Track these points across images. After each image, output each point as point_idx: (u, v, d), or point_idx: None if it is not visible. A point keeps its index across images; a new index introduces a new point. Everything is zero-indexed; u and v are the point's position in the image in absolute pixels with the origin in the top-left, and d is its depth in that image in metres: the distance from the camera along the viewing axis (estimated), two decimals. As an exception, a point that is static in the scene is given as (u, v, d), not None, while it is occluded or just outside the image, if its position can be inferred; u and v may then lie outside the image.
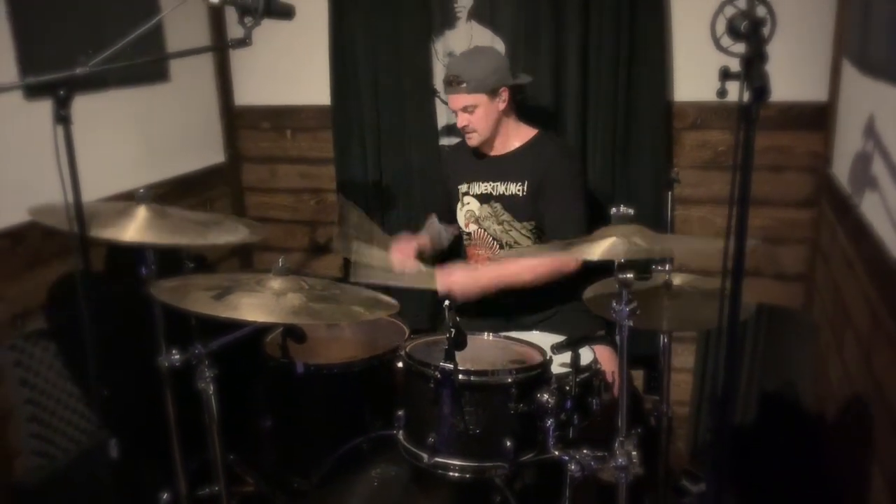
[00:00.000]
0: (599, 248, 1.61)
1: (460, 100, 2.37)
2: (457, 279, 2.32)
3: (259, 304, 1.70)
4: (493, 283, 2.35)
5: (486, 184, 2.51)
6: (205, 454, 1.94)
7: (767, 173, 2.69)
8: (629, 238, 1.61)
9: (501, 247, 2.51)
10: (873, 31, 2.01)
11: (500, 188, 2.49)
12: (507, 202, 2.48)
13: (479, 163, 2.53)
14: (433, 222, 2.73)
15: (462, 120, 2.41)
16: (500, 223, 2.49)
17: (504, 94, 2.40)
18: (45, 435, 2.23)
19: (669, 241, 1.68)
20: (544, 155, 2.46)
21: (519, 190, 2.46)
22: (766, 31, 1.16)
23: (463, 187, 2.56)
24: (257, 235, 2.04)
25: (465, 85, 2.34)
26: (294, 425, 2.25)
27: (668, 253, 1.67)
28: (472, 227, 2.56)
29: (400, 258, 2.42)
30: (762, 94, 1.05)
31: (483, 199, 2.53)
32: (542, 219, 2.46)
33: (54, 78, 1.51)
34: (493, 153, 2.52)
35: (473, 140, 2.46)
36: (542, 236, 2.47)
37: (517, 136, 2.50)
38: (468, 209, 2.56)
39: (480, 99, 2.36)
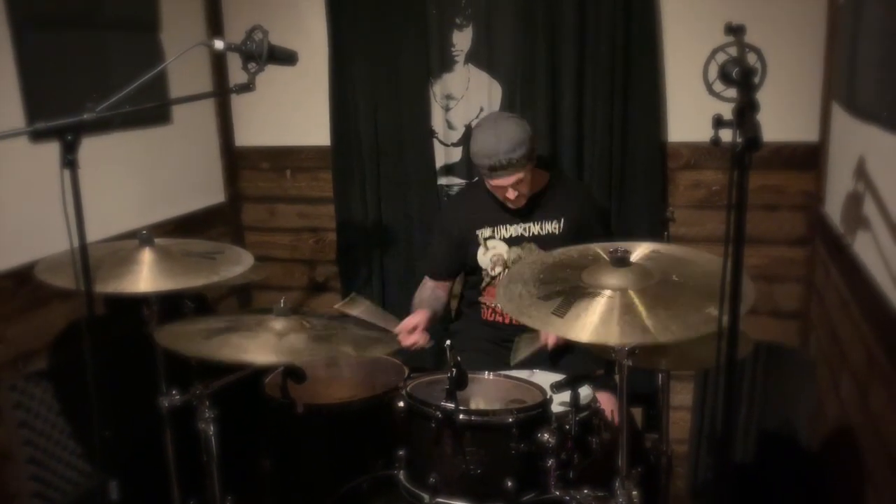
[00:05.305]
0: (591, 322, 1.53)
1: (512, 179, 2.37)
2: None
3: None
4: None
5: (516, 226, 2.53)
6: (204, 495, 1.93)
7: (761, 212, 2.72)
8: (626, 293, 1.57)
9: None
10: (860, 75, 2.06)
11: (534, 228, 2.52)
12: (543, 241, 2.51)
13: (506, 207, 2.53)
14: (431, 295, 2.68)
15: (510, 193, 2.40)
16: None
17: (536, 152, 2.45)
18: (44, 477, 2.21)
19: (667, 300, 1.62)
20: (573, 193, 2.61)
21: (555, 228, 2.52)
22: (756, 78, 1.20)
23: (485, 232, 2.55)
24: (258, 274, 2.06)
25: (516, 165, 2.34)
26: (294, 466, 2.24)
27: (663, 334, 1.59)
28: (499, 270, 2.56)
29: (408, 338, 2.42)
30: (754, 145, 1.08)
31: (514, 241, 2.54)
32: None
33: (63, 123, 1.54)
34: None
35: (520, 202, 2.47)
36: None
37: (537, 178, 2.54)
38: (495, 253, 2.56)
39: (528, 168, 2.39)
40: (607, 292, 1.58)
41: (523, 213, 2.53)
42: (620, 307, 1.54)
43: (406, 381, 2.01)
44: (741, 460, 2.66)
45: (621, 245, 1.71)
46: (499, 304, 2.52)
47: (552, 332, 2.25)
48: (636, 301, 1.55)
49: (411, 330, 2.44)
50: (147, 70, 1.74)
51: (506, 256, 2.55)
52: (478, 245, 2.57)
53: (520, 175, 2.37)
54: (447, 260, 2.66)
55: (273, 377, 2.26)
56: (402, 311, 3.10)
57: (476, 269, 2.61)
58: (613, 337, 1.51)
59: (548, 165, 2.65)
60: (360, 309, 2.46)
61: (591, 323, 1.52)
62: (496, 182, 2.40)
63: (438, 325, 3.01)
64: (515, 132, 2.38)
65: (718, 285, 1.23)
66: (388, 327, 2.41)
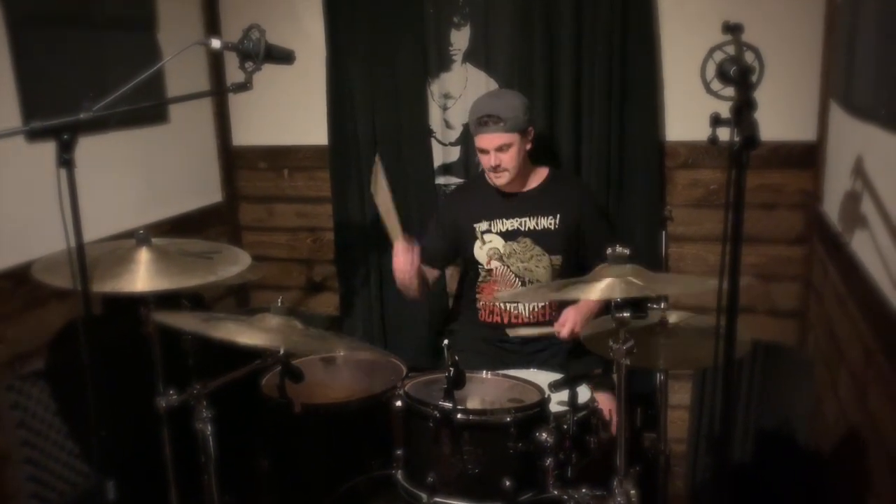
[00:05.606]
0: (597, 288, 1.63)
1: (496, 139, 2.39)
2: (575, 319, 2.38)
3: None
4: (592, 314, 2.42)
5: (512, 220, 2.54)
6: (202, 496, 1.93)
7: (759, 211, 2.73)
8: (625, 277, 1.63)
9: (523, 284, 2.54)
10: (858, 75, 2.06)
11: (529, 223, 2.53)
12: (538, 236, 2.53)
13: (503, 200, 2.56)
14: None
15: (493, 160, 2.42)
16: (529, 259, 2.52)
17: (531, 134, 2.48)
18: (41, 478, 2.21)
19: (665, 280, 1.69)
20: (571, 190, 2.60)
21: (551, 224, 2.52)
22: (754, 76, 1.20)
23: (482, 225, 2.57)
24: (256, 273, 2.06)
25: (502, 124, 2.37)
26: (292, 466, 2.24)
27: (663, 292, 1.69)
28: (495, 265, 2.57)
29: (401, 268, 2.45)
30: (752, 143, 1.08)
31: (509, 235, 2.55)
32: (572, 254, 2.53)
33: (59, 122, 1.53)
34: (516, 191, 2.55)
35: (502, 179, 2.47)
36: (563, 274, 2.52)
37: (535, 173, 2.58)
38: (491, 247, 2.57)
39: (514, 138, 2.40)
40: (606, 279, 1.64)
41: (520, 208, 2.54)
42: (621, 283, 1.62)
43: (404, 381, 2.01)
44: (739, 460, 2.67)
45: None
46: (496, 302, 2.53)
47: (551, 298, 2.27)
48: (636, 281, 1.63)
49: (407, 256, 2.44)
50: (144, 69, 1.73)
51: (502, 250, 2.55)
52: (475, 238, 2.58)
53: (506, 138, 2.39)
54: (438, 249, 2.67)
55: (271, 377, 2.26)
56: (402, 310, 3.12)
57: (473, 264, 2.62)
58: (617, 291, 1.59)
59: (547, 162, 2.66)
60: (384, 196, 2.40)
61: (592, 289, 1.62)
62: (482, 142, 2.42)
63: (436, 325, 3.02)
64: (513, 98, 2.45)
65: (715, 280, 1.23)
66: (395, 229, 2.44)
